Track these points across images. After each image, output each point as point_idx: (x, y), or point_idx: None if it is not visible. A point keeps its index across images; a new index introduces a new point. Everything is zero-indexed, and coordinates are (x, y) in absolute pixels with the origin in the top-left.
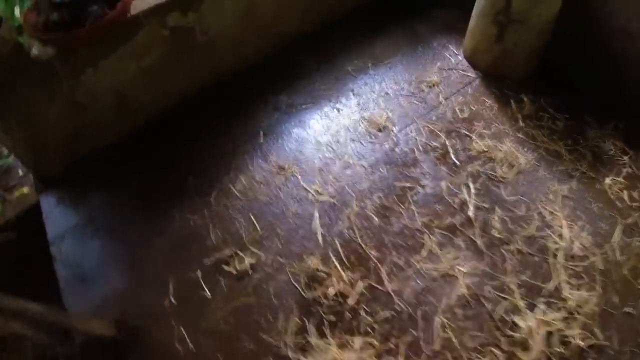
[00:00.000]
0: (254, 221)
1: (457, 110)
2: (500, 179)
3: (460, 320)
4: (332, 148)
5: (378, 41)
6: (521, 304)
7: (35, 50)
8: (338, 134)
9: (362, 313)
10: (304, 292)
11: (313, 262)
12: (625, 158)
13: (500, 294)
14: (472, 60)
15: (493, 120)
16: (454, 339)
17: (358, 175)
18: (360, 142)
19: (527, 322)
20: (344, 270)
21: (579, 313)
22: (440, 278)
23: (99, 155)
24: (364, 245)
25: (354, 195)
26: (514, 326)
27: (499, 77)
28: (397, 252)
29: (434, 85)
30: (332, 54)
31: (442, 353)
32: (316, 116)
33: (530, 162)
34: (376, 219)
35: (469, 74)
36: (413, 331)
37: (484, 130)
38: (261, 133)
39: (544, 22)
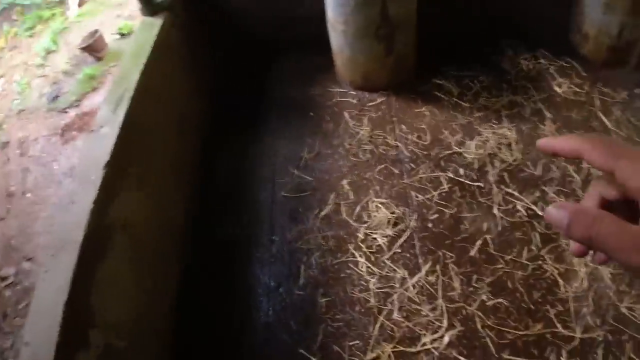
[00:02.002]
0: None
1: (417, 141)
2: (517, 163)
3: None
4: (389, 286)
5: (270, 136)
6: None
7: None
8: (373, 268)
9: None
10: None
11: None
12: (544, 61)
13: None
14: (368, 85)
15: (448, 122)
16: None
17: (440, 282)
18: (400, 253)
19: None
20: None
21: None
22: (585, 278)
23: None
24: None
25: (461, 304)
26: None
27: (403, 82)
28: (544, 300)
29: (370, 137)
30: (242, 197)
31: None
32: (333, 272)
33: (512, 128)
34: (491, 296)
35: (380, 100)
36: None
37: (456, 137)
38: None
39: (416, 10)
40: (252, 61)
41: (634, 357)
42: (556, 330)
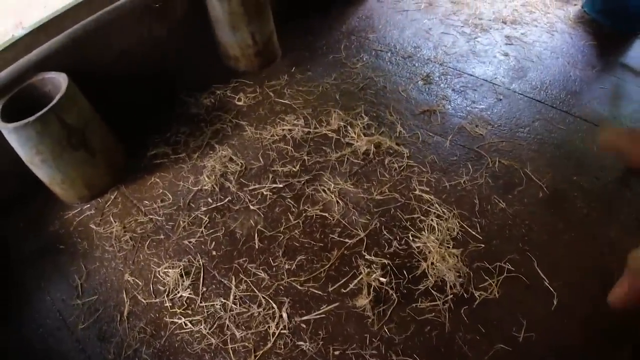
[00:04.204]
0: None
1: (163, 204)
2: (245, 167)
3: None
4: (218, 318)
5: (36, 296)
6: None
7: None
8: (195, 317)
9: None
10: None
11: None
12: (219, 92)
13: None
14: (96, 190)
15: (178, 175)
16: None
17: (251, 284)
18: (207, 290)
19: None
20: None
21: None
22: (338, 200)
23: None
24: None
25: (275, 284)
26: None
27: (125, 168)
28: (325, 234)
29: (124, 228)
30: None
31: None
32: None
33: (226, 148)
34: (290, 262)
35: (114, 196)
36: None
37: (190, 181)
38: None
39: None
40: None
41: (407, 217)
42: (347, 243)
